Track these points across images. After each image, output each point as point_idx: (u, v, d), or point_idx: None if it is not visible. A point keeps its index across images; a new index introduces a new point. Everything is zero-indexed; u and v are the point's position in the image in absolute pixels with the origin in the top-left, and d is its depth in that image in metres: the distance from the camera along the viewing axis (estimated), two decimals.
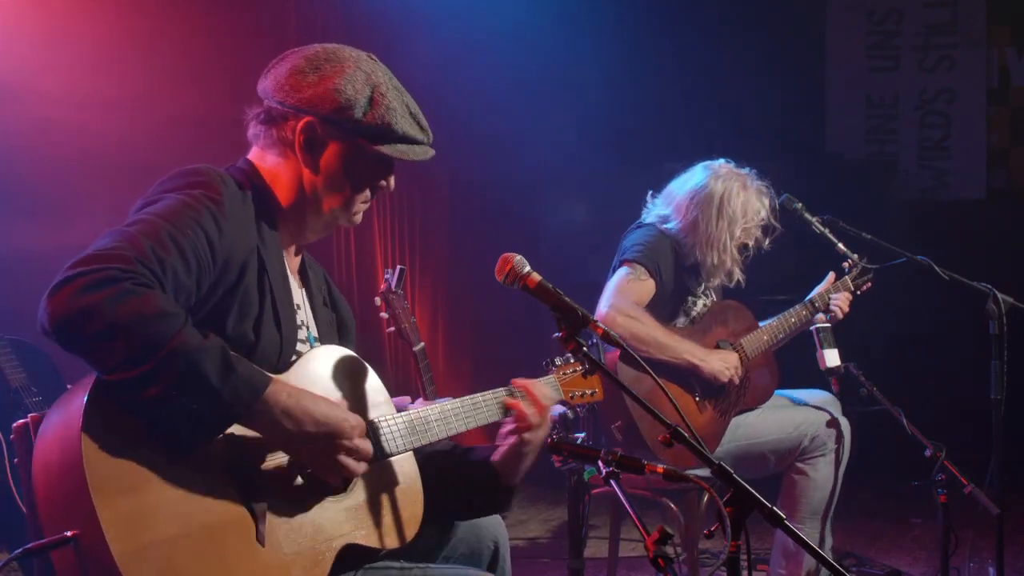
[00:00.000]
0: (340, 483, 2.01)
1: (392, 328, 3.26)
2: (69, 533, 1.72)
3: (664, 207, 3.90)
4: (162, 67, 4.52)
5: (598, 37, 6.36)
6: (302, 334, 2.17)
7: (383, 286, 3.26)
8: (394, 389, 2.30)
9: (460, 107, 5.75)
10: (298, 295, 2.22)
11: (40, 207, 4.29)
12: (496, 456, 2.35)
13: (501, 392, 2.37)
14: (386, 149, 2.11)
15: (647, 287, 3.72)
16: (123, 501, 1.73)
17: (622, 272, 3.73)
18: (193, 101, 4.40)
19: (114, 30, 4.39)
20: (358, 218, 2.22)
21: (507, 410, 2.34)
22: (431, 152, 2.20)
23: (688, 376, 3.67)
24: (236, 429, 1.88)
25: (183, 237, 1.85)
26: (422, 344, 3.31)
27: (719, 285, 3.97)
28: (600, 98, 6.71)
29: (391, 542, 2.12)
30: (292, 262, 2.23)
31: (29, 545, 1.78)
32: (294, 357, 2.11)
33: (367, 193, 2.18)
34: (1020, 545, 4.66)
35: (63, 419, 1.79)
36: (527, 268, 2.18)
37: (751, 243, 3.86)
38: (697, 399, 3.70)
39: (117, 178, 4.32)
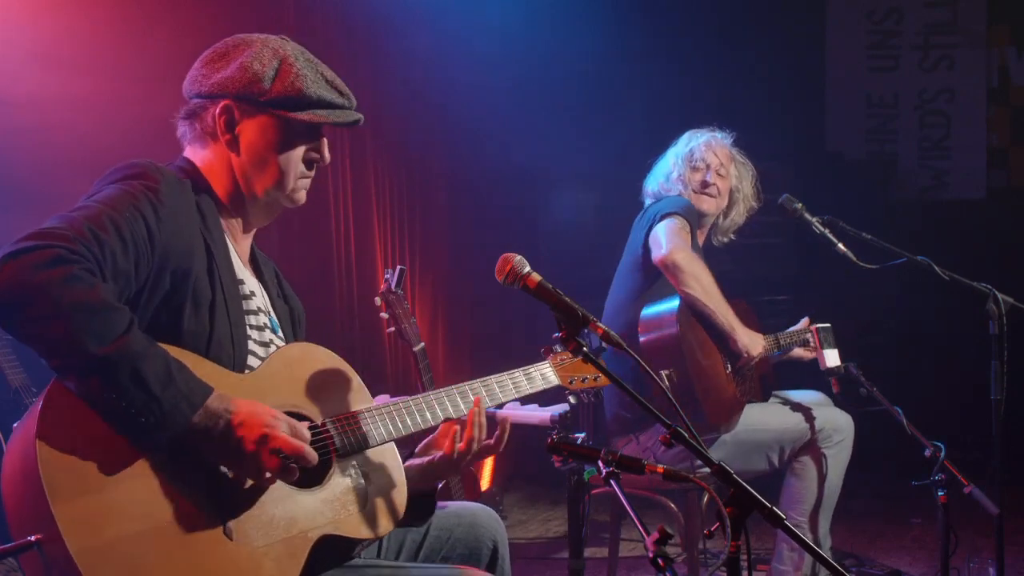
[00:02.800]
0: (285, 477, 1.89)
1: (392, 328, 3.26)
2: (32, 538, 1.72)
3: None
4: (158, 66, 4.50)
5: (597, 37, 6.35)
6: (262, 320, 2.17)
7: (383, 286, 3.27)
8: (394, 389, 2.29)
9: (460, 106, 5.74)
10: (252, 283, 2.21)
11: (37, 207, 4.27)
12: (407, 465, 2.28)
13: (465, 391, 2.30)
14: (303, 115, 2.10)
15: (689, 239, 3.75)
16: (81, 501, 1.72)
17: (669, 221, 3.72)
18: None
19: (110, 28, 4.38)
20: (300, 196, 2.20)
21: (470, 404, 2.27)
22: (355, 116, 2.18)
23: (724, 343, 3.70)
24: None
25: (121, 219, 1.87)
26: (422, 344, 3.31)
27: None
28: (599, 98, 6.70)
29: (380, 529, 2.11)
30: (241, 250, 2.22)
31: None
32: (264, 352, 2.10)
33: (301, 167, 2.17)
34: (1020, 545, 4.66)
35: (24, 425, 1.79)
36: (527, 268, 2.18)
37: (694, 166, 3.97)
38: (728, 371, 3.74)
39: None
